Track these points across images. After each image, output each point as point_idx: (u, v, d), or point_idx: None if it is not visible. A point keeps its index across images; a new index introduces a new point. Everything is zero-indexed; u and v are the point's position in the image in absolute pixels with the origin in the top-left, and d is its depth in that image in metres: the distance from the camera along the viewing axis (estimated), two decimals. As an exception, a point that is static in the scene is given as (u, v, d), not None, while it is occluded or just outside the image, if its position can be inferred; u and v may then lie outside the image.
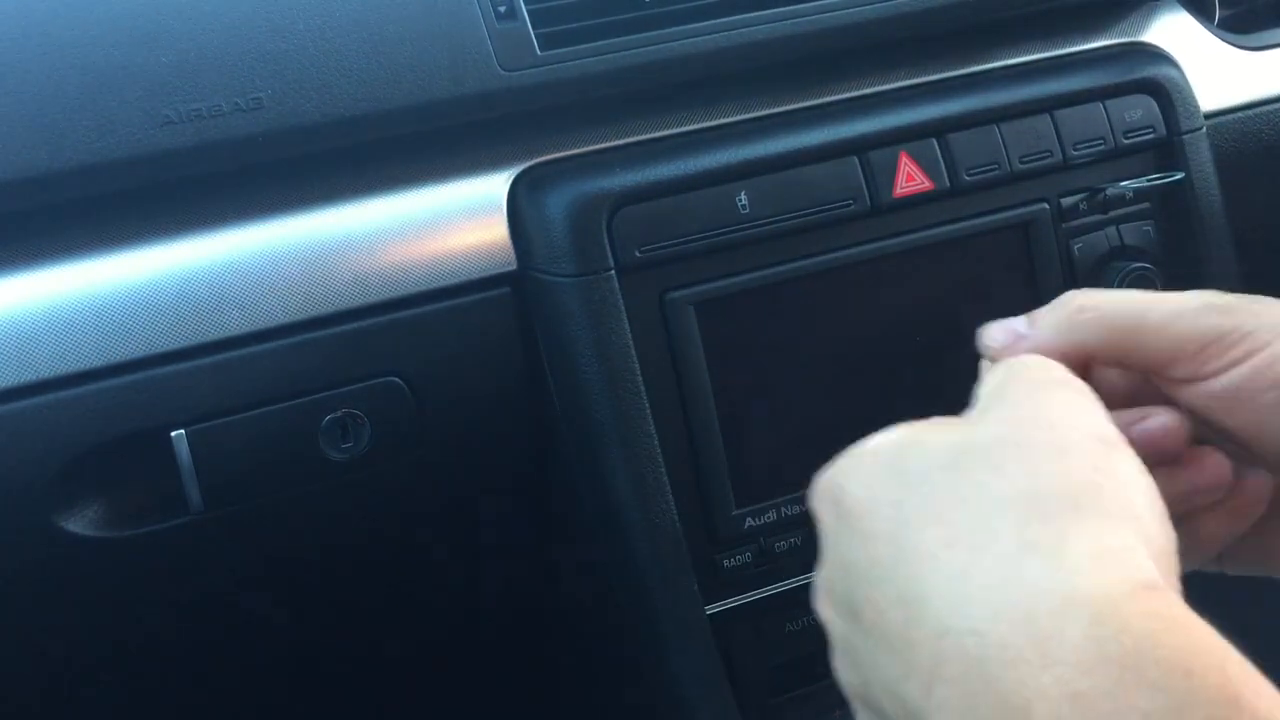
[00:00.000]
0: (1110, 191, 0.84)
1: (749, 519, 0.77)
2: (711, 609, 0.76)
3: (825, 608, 0.45)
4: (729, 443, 0.76)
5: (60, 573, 0.72)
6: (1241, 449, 0.48)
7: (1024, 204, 0.82)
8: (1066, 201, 0.83)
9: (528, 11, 0.75)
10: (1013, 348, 0.49)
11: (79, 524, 0.70)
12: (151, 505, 0.72)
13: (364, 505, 0.76)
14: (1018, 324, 0.51)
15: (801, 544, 0.78)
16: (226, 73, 0.69)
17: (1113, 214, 0.85)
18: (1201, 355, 0.48)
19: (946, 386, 0.80)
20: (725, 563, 0.77)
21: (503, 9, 0.74)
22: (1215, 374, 0.48)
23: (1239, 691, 0.32)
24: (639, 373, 0.74)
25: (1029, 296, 0.83)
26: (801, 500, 0.77)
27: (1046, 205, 0.83)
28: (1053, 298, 0.81)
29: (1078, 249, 0.84)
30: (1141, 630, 0.33)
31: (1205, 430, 0.49)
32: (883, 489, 0.43)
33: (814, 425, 0.78)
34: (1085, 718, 0.32)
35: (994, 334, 0.51)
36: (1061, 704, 0.32)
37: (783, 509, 0.77)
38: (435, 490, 0.78)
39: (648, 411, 0.74)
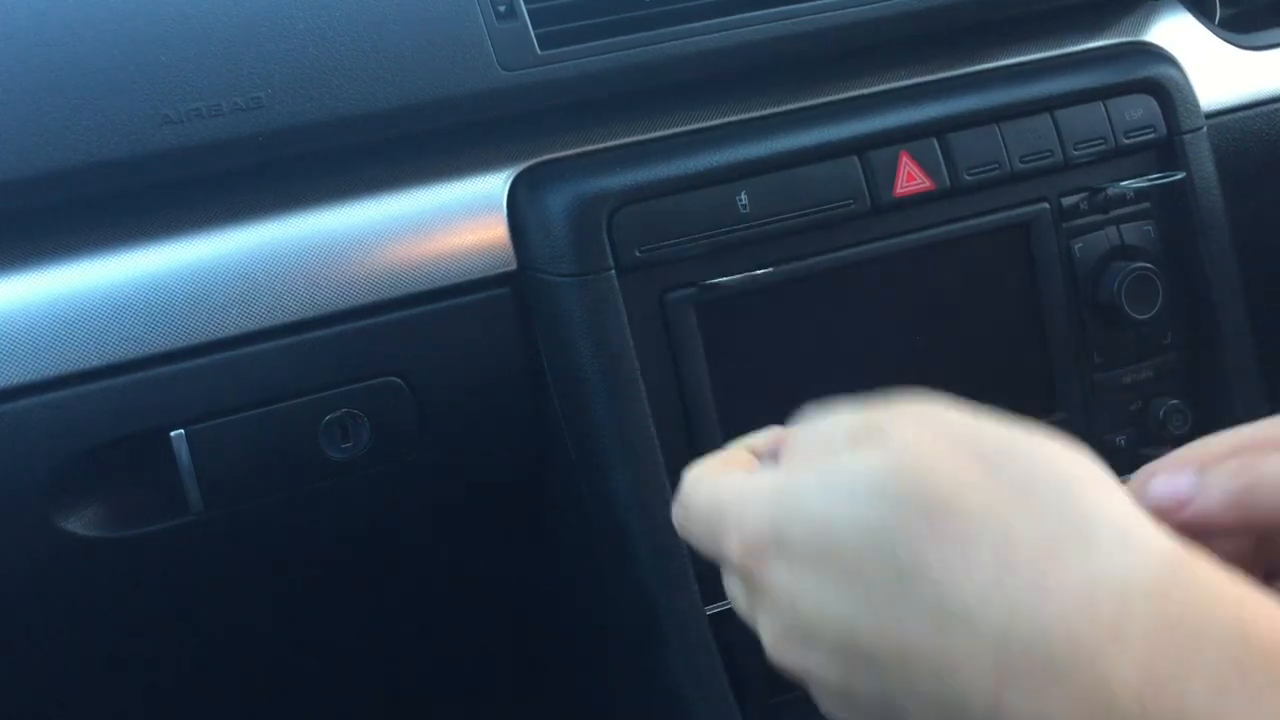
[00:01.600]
0: (1110, 191, 0.84)
1: (749, 519, 0.77)
2: (711, 609, 0.76)
3: (805, 657, 0.44)
4: (729, 442, 0.76)
5: (60, 573, 0.72)
6: None
7: (1024, 204, 0.82)
8: (1067, 201, 0.83)
9: (528, 11, 0.75)
10: (1173, 513, 0.45)
11: (79, 524, 0.70)
12: (151, 505, 0.72)
13: (364, 505, 0.76)
14: (1183, 484, 0.45)
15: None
16: (226, 73, 0.69)
17: (1113, 214, 0.85)
18: None
19: (948, 385, 0.81)
20: None
21: (503, 9, 0.74)
22: None
23: None
24: (639, 372, 0.74)
25: (1030, 296, 0.83)
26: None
27: (1047, 205, 0.83)
28: (1054, 298, 0.82)
29: (1078, 249, 0.84)
30: (1198, 599, 0.34)
31: None
32: (851, 518, 0.41)
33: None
34: (1163, 690, 0.33)
35: (1158, 491, 0.45)
36: (1144, 687, 0.33)
37: (783, 509, 0.77)
38: (435, 490, 0.78)
39: (647, 411, 0.74)
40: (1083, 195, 0.84)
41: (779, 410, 0.77)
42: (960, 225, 0.81)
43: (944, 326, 0.81)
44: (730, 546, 0.46)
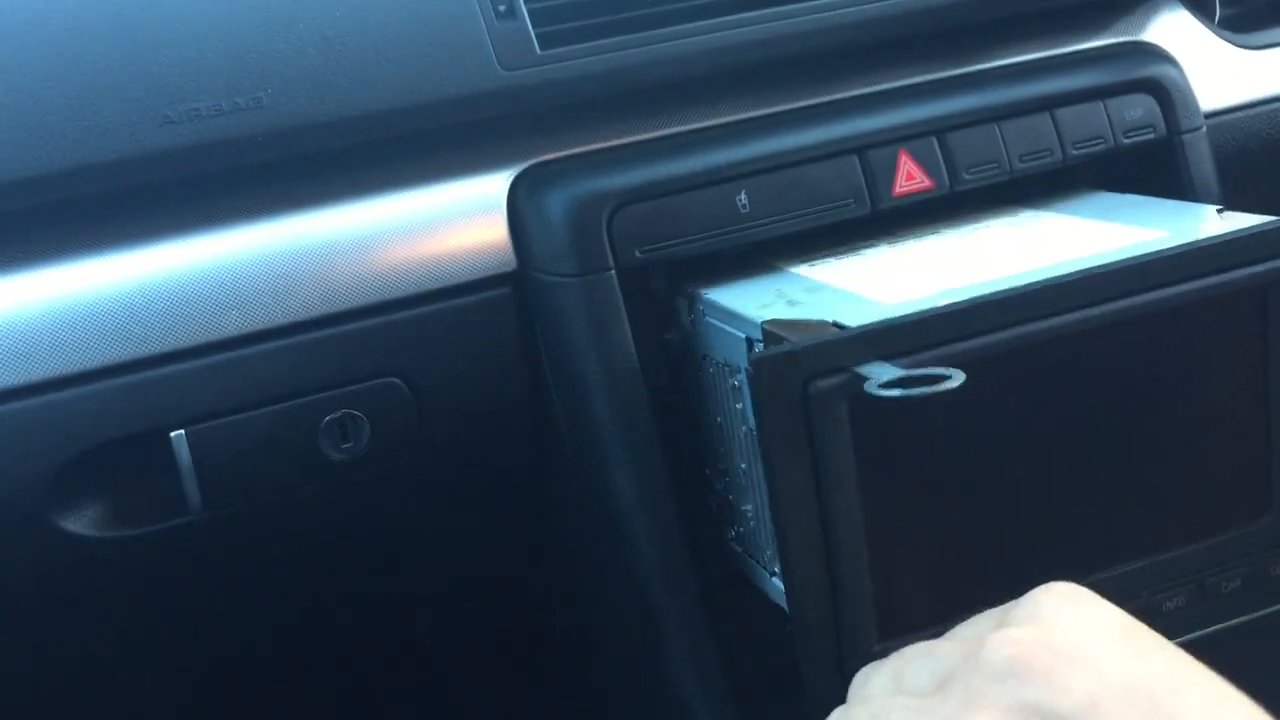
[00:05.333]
0: None
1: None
2: (711, 609, 0.76)
3: None
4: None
5: (60, 573, 0.72)
6: None
7: (1258, 261, 0.64)
8: None
9: (527, 11, 0.75)
10: None
11: (79, 524, 0.70)
12: (151, 505, 0.72)
13: (363, 505, 0.76)
14: None
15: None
16: (226, 73, 0.69)
17: None
18: None
19: (1143, 480, 0.64)
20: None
21: (503, 9, 0.74)
22: None
23: None
24: (639, 372, 0.74)
25: (1259, 372, 0.66)
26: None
27: None
28: None
29: None
30: None
31: None
32: None
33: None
34: None
35: None
36: None
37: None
38: (435, 490, 0.78)
39: (649, 411, 0.74)
40: None
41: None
42: (1177, 290, 0.63)
43: (1143, 414, 0.65)
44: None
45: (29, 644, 0.76)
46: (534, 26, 0.75)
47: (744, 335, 0.67)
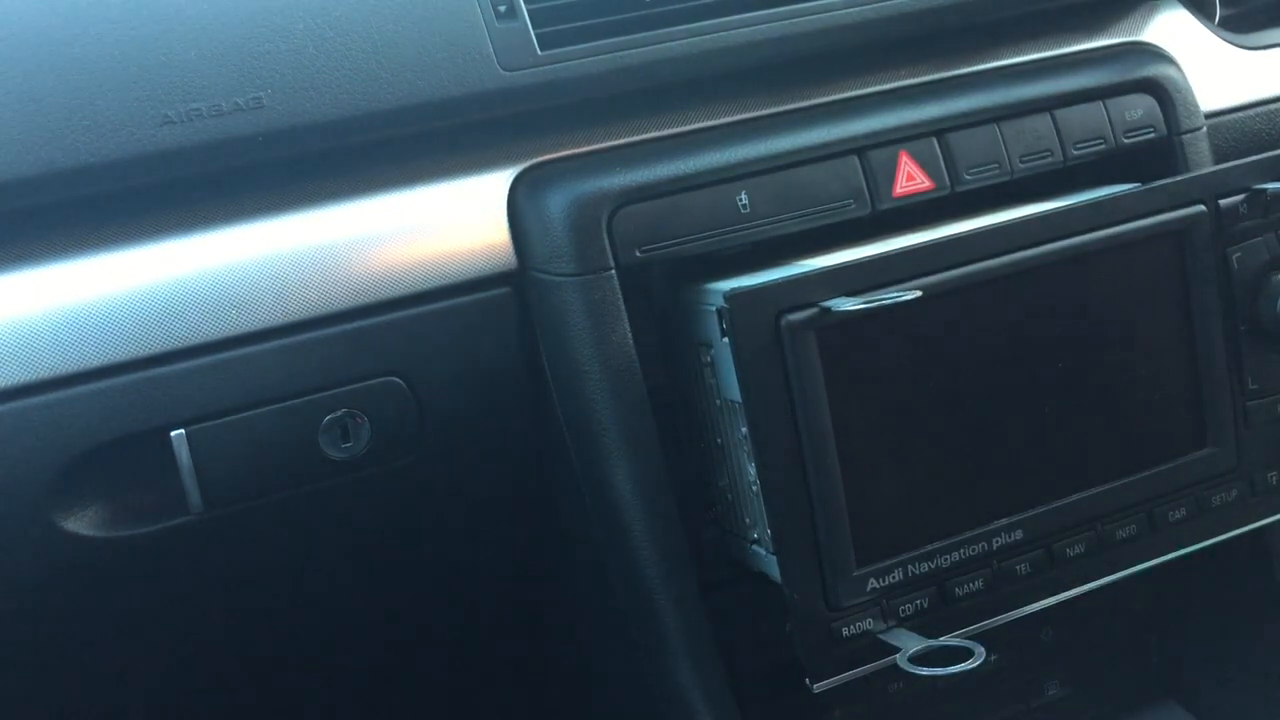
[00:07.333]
0: (1272, 192, 0.74)
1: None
2: (711, 608, 0.76)
3: None
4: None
5: (60, 573, 0.72)
6: None
7: (1178, 206, 0.73)
8: (1225, 204, 0.74)
9: (528, 11, 0.75)
10: None
11: (79, 524, 0.70)
12: (151, 505, 0.72)
13: (363, 505, 0.76)
14: None
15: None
16: (226, 73, 0.69)
17: (1272, 217, 0.76)
18: None
19: (1087, 418, 0.70)
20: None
21: (503, 9, 0.75)
22: None
23: None
24: (639, 371, 0.74)
25: (1182, 313, 0.74)
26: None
27: (1204, 208, 0.74)
28: (1207, 315, 0.73)
29: (1235, 259, 0.75)
30: None
31: None
32: None
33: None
34: None
35: None
36: None
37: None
38: (435, 489, 0.78)
39: (649, 409, 0.74)
40: (1242, 197, 0.75)
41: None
42: (1103, 234, 0.72)
43: (1083, 348, 0.72)
44: None
45: (31, 643, 0.76)
46: (534, 27, 0.75)
47: (714, 308, 0.71)
